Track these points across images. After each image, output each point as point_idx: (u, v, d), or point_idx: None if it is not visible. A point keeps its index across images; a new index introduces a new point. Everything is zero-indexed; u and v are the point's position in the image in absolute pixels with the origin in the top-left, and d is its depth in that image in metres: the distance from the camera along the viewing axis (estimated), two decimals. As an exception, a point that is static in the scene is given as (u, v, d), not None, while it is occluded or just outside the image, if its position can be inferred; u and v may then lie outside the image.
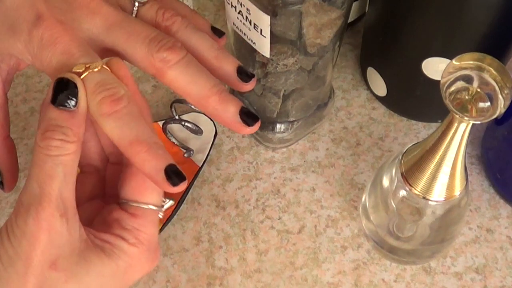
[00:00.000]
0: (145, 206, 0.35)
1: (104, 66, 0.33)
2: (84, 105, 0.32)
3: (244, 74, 0.36)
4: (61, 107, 0.31)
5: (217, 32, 0.40)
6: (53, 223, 0.31)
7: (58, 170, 0.31)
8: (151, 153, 0.30)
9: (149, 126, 0.32)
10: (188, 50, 0.35)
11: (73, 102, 0.31)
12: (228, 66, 0.35)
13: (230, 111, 0.34)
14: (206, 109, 0.34)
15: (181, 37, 0.35)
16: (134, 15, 0.36)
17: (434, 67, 0.53)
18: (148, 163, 0.30)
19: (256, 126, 0.35)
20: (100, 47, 0.34)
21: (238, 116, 0.34)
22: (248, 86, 0.36)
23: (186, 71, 0.33)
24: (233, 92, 0.59)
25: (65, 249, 0.31)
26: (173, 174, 0.31)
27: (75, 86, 0.31)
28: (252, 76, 0.36)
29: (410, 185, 0.45)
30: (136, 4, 0.36)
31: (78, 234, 0.32)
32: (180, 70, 0.33)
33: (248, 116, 0.34)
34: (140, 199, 0.34)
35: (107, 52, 0.35)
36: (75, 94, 0.31)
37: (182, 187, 0.31)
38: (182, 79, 0.33)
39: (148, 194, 0.35)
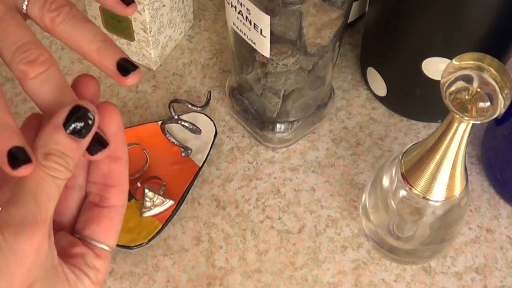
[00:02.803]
0: (108, 249, 0.35)
1: None
2: (90, 138, 0.32)
3: (123, 68, 0.34)
4: (70, 135, 0.31)
5: (125, 0, 0.38)
6: (43, 245, 0.31)
7: (56, 192, 0.31)
8: None
9: (5, 108, 0.31)
10: (70, 43, 0.34)
11: (84, 136, 0.31)
12: (108, 60, 0.34)
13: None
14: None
15: (64, 29, 0.34)
16: (25, 6, 0.34)
17: (434, 67, 0.53)
18: None
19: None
20: None
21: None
22: (128, 81, 0.34)
23: (42, 86, 0.32)
24: (234, 92, 0.59)
25: (42, 272, 0.31)
26: (17, 156, 0.30)
27: (93, 123, 0.31)
28: (134, 69, 0.34)
29: (410, 185, 0.45)
30: None
31: (53, 259, 0.32)
32: (36, 84, 0.32)
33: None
34: (107, 241, 0.35)
35: None
36: (89, 130, 0.31)
37: (23, 170, 0.30)
38: (39, 92, 0.32)
39: (114, 238, 0.35)
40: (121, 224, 0.35)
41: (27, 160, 0.30)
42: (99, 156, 0.33)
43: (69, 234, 0.35)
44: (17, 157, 0.29)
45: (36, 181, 0.31)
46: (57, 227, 0.35)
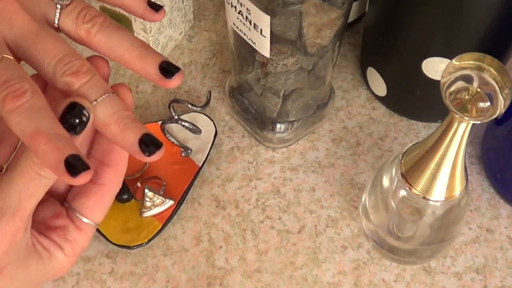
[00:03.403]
0: (93, 224, 0.35)
1: (7, 56, 0.32)
2: (84, 135, 0.32)
3: (166, 71, 0.34)
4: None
5: (155, 7, 0.38)
6: (17, 235, 0.31)
7: (40, 191, 0.32)
8: (50, 145, 0.30)
9: (53, 118, 0.31)
10: (108, 52, 0.35)
11: (78, 133, 0.31)
12: (150, 65, 0.34)
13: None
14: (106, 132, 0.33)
15: (101, 39, 0.35)
16: (56, 19, 0.35)
17: (434, 67, 0.53)
18: (48, 156, 0.30)
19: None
20: (11, 52, 0.34)
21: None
22: (172, 83, 0.34)
23: (89, 94, 0.32)
24: (234, 92, 0.59)
25: (14, 256, 0.32)
26: (75, 164, 0.30)
27: (88, 119, 0.31)
28: (177, 70, 0.35)
29: (410, 185, 0.45)
30: (59, 7, 0.35)
31: (27, 241, 0.33)
32: (83, 93, 0.32)
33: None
34: (92, 217, 0.35)
35: (17, 59, 0.34)
36: (84, 127, 0.31)
37: (82, 177, 0.30)
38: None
39: (100, 215, 0.35)
40: (111, 202, 0.36)
41: (85, 167, 0.30)
42: (155, 157, 0.33)
43: (58, 203, 0.35)
44: (75, 165, 0.30)
45: (24, 178, 0.31)
46: (50, 193, 0.35)
